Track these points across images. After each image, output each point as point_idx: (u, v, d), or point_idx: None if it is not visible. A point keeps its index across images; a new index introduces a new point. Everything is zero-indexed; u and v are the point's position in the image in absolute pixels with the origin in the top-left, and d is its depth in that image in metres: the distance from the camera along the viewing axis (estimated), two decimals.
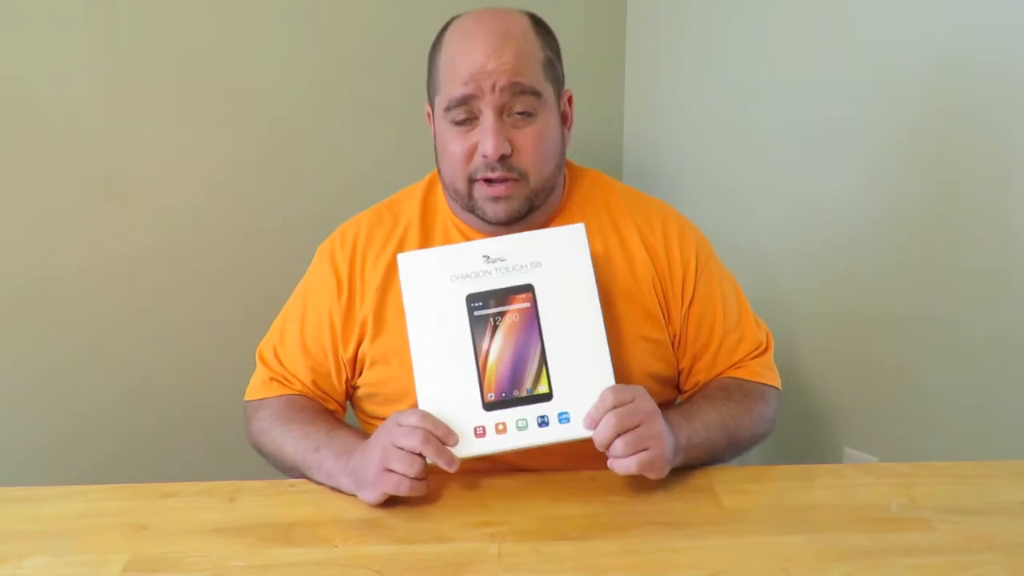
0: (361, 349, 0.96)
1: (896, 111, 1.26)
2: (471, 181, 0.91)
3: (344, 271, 0.97)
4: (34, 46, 1.26)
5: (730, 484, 0.85)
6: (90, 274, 1.36)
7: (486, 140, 0.88)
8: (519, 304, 0.83)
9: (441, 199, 1.00)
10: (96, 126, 1.32)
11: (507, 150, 0.89)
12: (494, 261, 0.84)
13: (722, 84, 1.57)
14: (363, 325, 0.95)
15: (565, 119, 0.97)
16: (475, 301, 0.83)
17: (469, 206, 0.93)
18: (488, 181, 0.90)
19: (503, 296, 0.83)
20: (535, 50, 0.91)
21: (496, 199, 0.90)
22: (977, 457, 1.17)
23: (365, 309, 0.95)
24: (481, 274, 0.83)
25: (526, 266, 0.84)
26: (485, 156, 0.88)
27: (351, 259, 0.97)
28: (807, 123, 1.41)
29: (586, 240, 0.85)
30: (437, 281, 0.84)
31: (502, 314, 0.82)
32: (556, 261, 0.84)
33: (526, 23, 0.92)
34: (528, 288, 0.83)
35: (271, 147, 1.46)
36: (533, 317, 0.82)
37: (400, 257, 0.86)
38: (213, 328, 1.46)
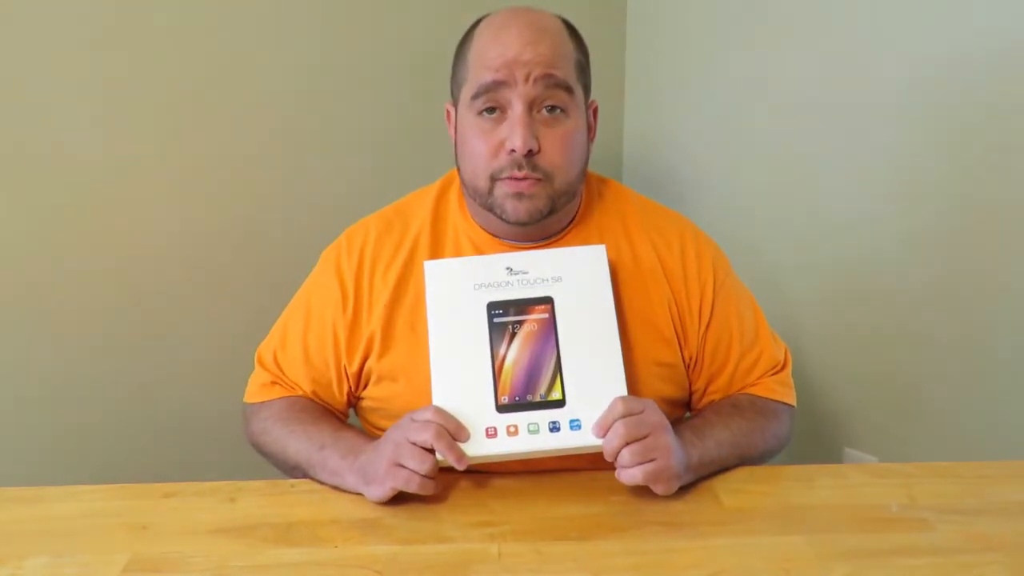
0: (367, 364, 0.94)
1: (904, 112, 1.26)
2: (493, 180, 0.89)
3: (350, 283, 0.95)
4: (33, 45, 1.26)
5: (730, 484, 0.85)
6: (90, 274, 1.36)
7: (515, 134, 0.85)
8: (538, 314, 0.84)
9: (453, 206, 0.98)
10: (96, 128, 1.32)
11: (535, 147, 0.86)
12: (516, 273, 0.86)
13: (723, 84, 1.57)
14: (370, 340, 0.93)
15: (589, 129, 0.95)
16: (496, 309, 0.85)
17: (488, 204, 0.90)
18: (510, 179, 0.88)
19: (523, 306, 0.85)
20: (569, 50, 0.91)
21: (519, 195, 0.88)
22: (977, 457, 1.18)
23: (372, 324, 0.93)
24: (503, 284, 0.85)
25: (547, 280, 0.86)
26: (512, 151, 0.86)
27: (358, 271, 0.95)
28: (810, 124, 1.41)
29: (606, 261, 0.87)
30: (461, 288, 0.85)
31: (521, 322, 0.84)
32: (576, 277, 0.86)
33: (560, 24, 0.92)
34: (547, 300, 0.85)
35: (273, 147, 1.46)
36: (551, 327, 0.84)
37: (427, 264, 0.87)
38: (214, 328, 1.46)
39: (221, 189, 1.43)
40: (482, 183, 0.89)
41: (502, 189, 0.89)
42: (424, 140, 1.52)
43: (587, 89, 0.94)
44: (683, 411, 1.01)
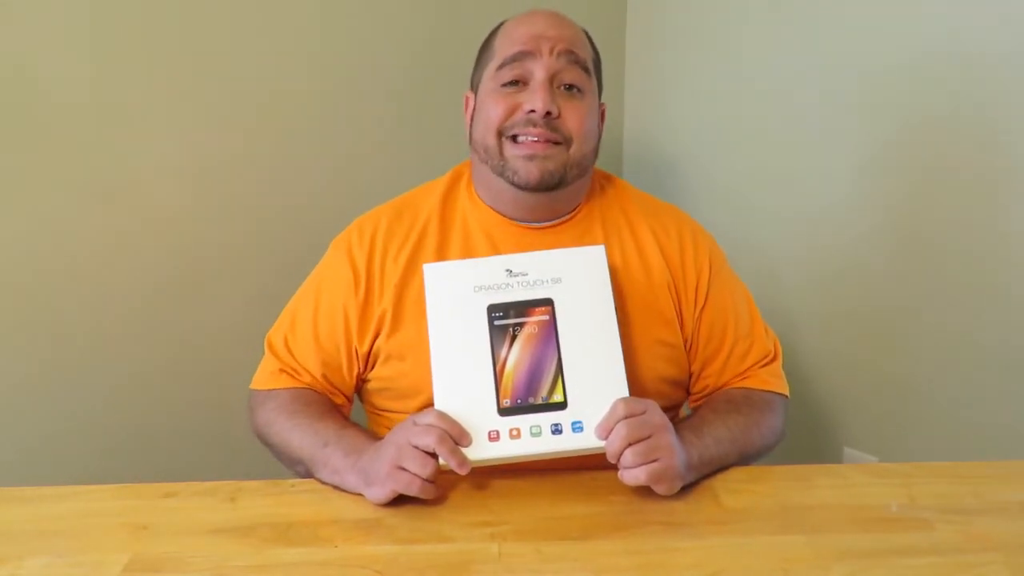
0: (377, 343, 0.95)
1: (902, 109, 1.26)
2: (501, 135, 0.92)
3: (362, 265, 0.97)
4: (34, 44, 1.26)
5: (730, 484, 0.85)
6: (91, 273, 1.36)
7: (535, 96, 0.91)
8: (538, 316, 0.84)
9: (462, 196, 1.00)
10: (98, 123, 1.32)
11: (555, 110, 0.91)
12: (516, 275, 0.86)
13: (722, 83, 1.57)
14: (381, 319, 0.95)
15: (598, 126, 0.99)
16: (496, 311, 0.84)
17: (499, 167, 0.93)
18: (524, 141, 0.91)
19: (523, 308, 0.85)
20: (588, 45, 0.98)
21: (531, 157, 0.91)
22: (977, 457, 1.18)
23: (384, 304, 0.95)
24: (503, 286, 0.85)
25: (547, 281, 0.86)
26: (532, 111, 0.90)
27: (369, 255, 0.97)
28: (808, 123, 1.41)
29: (605, 261, 0.87)
30: (461, 291, 0.85)
31: (521, 325, 0.84)
32: (576, 278, 0.86)
33: (579, 27, 0.99)
34: (548, 302, 0.85)
35: (280, 139, 1.46)
36: (551, 329, 0.84)
37: (426, 267, 0.88)
38: (214, 327, 1.46)
39: (226, 184, 1.43)
40: (492, 140, 0.93)
41: (513, 150, 0.92)
42: (432, 133, 1.52)
43: (600, 87, 0.99)
44: (684, 393, 1.03)
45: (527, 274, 0.86)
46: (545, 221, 0.98)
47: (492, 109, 0.93)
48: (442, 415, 0.80)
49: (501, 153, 0.93)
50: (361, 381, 0.99)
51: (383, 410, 0.98)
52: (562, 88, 0.92)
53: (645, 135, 1.77)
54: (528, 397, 0.81)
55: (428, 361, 0.86)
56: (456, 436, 0.79)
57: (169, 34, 1.34)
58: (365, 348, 0.96)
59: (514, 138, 0.93)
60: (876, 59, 1.28)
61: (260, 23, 1.41)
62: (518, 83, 0.93)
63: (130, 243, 1.38)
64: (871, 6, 1.28)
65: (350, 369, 0.97)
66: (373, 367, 0.97)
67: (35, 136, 1.28)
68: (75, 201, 1.33)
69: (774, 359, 1.02)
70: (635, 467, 0.78)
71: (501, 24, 0.99)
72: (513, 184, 0.93)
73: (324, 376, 0.97)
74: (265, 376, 0.99)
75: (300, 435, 0.90)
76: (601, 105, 1.00)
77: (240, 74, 1.41)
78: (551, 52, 0.92)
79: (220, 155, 1.42)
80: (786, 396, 1.01)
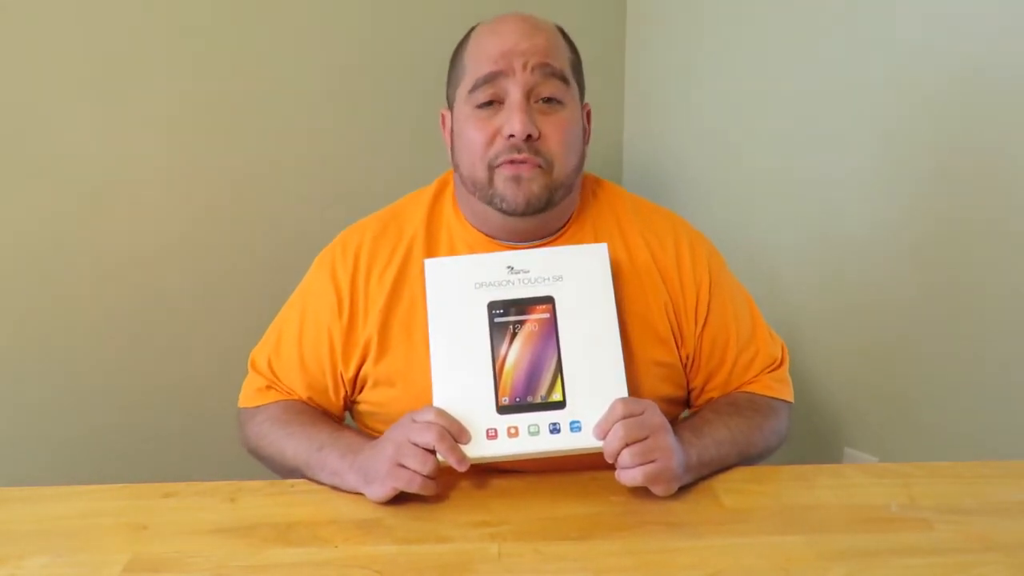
0: (363, 369, 0.94)
1: (902, 113, 1.26)
2: (492, 168, 0.88)
3: (346, 288, 0.94)
4: (35, 48, 1.26)
5: (730, 484, 0.85)
6: (91, 276, 1.36)
7: (513, 119, 0.86)
8: (539, 314, 0.84)
9: (448, 208, 0.98)
10: (96, 130, 1.32)
11: (535, 132, 0.87)
12: (517, 272, 0.85)
13: (722, 85, 1.57)
14: (366, 345, 0.93)
15: (583, 131, 0.95)
16: (496, 308, 0.84)
17: (488, 196, 0.90)
18: (511, 163, 0.87)
19: (524, 306, 0.84)
20: (563, 47, 0.93)
21: (517, 179, 0.87)
22: (977, 457, 1.18)
23: (369, 329, 0.92)
24: (504, 283, 0.85)
25: (548, 279, 0.85)
26: (511, 136, 0.86)
27: (353, 275, 0.94)
28: (810, 124, 1.41)
29: (608, 260, 0.86)
30: (461, 287, 0.85)
31: (521, 322, 0.84)
32: (577, 276, 0.85)
33: (553, 25, 0.94)
34: (548, 300, 0.84)
35: (269, 150, 1.46)
36: (552, 327, 0.83)
37: (427, 262, 0.87)
38: (214, 329, 1.46)
39: (218, 193, 1.43)
40: (481, 173, 0.89)
41: (501, 175, 0.88)
42: (421, 142, 1.52)
43: (581, 89, 0.95)
44: (682, 409, 1.01)
45: (528, 271, 0.86)
46: (535, 240, 0.95)
47: (473, 135, 0.89)
48: (441, 412, 0.79)
49: (490, 183, 0.89)
50: (350, 403, 0.98)
51: (376, 432, 0.96)
52: (540, 102, 0.88)
53: (645, 138, 1.77)
54: (527, 396, 0.81)
55: (418, 387, 0.85)
56: (455, 433, 0.79)
57: (168, 41, 1.35)
58: (351, 373, 0.94)
59: (500, 165, 0.89)
60: (891, 61, 1.27)
61: (260, 32, 1.41)
62: (493, 103, 0.88)
63: (131, 248, 1.38)
64: (880, 8, 1.27)
65: (336, 392, 0.95)
66: (361, 391, 0.95)
67: (37, 143, 1.28)
68: (80, 207, 1.33)
69: (780, 364, 1.00)
70: (632, 467, 0.77)
71: (471, 32, 0.94)
72: (501, 211, 0.90)
73: (310, 398, 0.96)
74: (252, 393, 0.98)
75: (294, 443, 0.89)
76: (585, 105, 0.96)
77: (238, 82, 1.41)
78: (524, 68, 0.87)
79: (219, 163, 1.43)
80: (791, 402, 0.99)
